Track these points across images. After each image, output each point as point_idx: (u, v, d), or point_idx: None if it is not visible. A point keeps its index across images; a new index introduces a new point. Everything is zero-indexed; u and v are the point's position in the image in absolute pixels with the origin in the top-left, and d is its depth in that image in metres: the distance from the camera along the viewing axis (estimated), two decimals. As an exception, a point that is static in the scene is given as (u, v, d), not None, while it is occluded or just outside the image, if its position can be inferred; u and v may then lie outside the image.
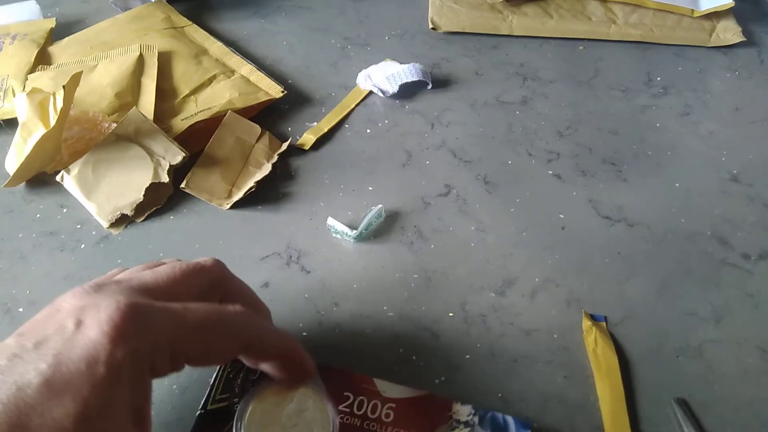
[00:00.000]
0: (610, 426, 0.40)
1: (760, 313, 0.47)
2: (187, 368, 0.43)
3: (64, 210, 0.54)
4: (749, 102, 0.66)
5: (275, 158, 0.57)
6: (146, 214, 0.54)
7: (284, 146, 0.58)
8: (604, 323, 0.46)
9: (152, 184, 0.53)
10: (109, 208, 0.52)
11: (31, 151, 0.52)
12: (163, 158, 0.54)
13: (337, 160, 0.59)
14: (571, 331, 0.46)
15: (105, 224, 0.52)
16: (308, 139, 0.60)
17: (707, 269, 0.50)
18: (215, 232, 0.53)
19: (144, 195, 0.52)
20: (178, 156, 0.54)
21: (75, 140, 0.57)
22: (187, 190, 0.54)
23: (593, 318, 0.47)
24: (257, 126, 0.59)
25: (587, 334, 0.45)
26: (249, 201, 0.55)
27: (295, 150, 0.60)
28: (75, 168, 0.54)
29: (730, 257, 0.51)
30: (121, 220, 0.53)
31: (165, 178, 0.53)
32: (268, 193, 0.56)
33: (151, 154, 0.54)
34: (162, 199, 0.55)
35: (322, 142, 0.61)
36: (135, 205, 0.52)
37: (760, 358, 0.45)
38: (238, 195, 0.54)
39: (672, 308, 0.48)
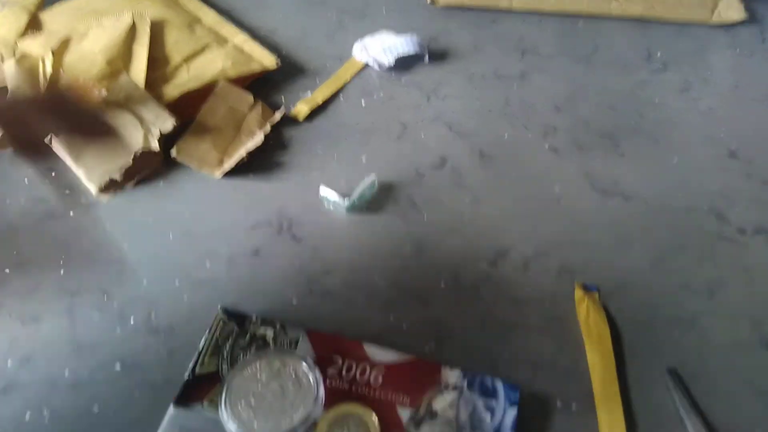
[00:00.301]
0: (599, 393, 0.40)
1: (755, 286, 0.47)
2: (175, 332, 0.43)
3: (53, 174, 0.53)
4: (750, 80, 0.65)
5: (268, 128, 0.56)
6: (135, 180, 0.53)
7: (277, 116, 0.58)
8: (596, 294, 0.46)
9: (142, 151, 0.52)
10: (97, 173, 0.52)
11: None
12: (154, 125, 0.53)
13: (330, 131, 0.59)
14: (563, 301, 0.46)
15: (94, 190, 0.52)
16: (302, 109, 0.59)
17: (702, 243, 0.50)
18: (205, 200, 0.52)
19: (133, 161, 0.52)
20: (168, 123, 0.53)
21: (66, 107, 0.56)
22: (178, 158, 0.54)
23: (586, 288, 0.46)
24: (250, 95, 0.58)
25: (579, 303, 0.45)
26: (240, 170, 0.54)
27: (289, 121, 0.59)
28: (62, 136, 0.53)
29: (725, 232, 0.51)
30: (110, 187, 0.52)
31: (155, 145, 0.53)
32: (260, 163, 0.55)
33: (141, 120, 0.54)
34: (152, 167, 0.54)
35: (316, 113, 0.60)
36: (124, 169, 0.51)
37: (753, 331, 0.44)
38: (229, 164, 0.54)
39: (666, 281, 0.47)
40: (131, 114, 0.54)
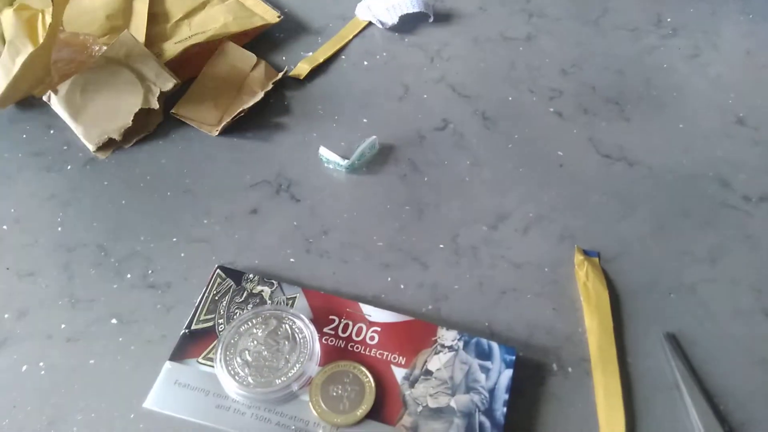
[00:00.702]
0: (596, 357, 0.40)
1: (758, 254, 0.46)
2: (172, 288, 0.43)
3: (51, 131, 0.53)
4: (761, 46, 0.64)
5: (270, 86, 0.55)
6: (134, 141, 0.52)
7: (280, 75, 0.56)
8: (596, 259, 0.46)
9: (141, 110, 0.51)
10: (96, 132, 0.51)
11: (19, 70, 0.50)
12: (154, 84, 0.52)
13: (332, 91, 0.57)
14: (563, 265, 0.45)
15: (91, 147, 0.51)
16: (303, 68, 0.58)
17: (706, 210, 0.49)
18: (204, 158, 0.52)
19: (133, 120, 0.51)
20: (169, 83, 0.52)
21: (65, 63, 0.55)
22: (178, 116, 0.53)
23: (586, 253, 0.46)
24: (253, 55, 0.57)
25: (579, 268, 0.44)
26: (240, 129, 0.53)
27: (290, 80, 0.58)
28: (63, 88, 0.52)
29: (730, 199, 0.50)
30: (109, 145, 0.51)
31: (155, 104, 0.52)
32: (260, 122, 0.54)
33: (141, 79, 0.53)
34: (151, 126, 0.53)
35: (317, 72, 0.59)
36: (123, 129, 0.51)
37: (754, 299, 0.44)
38: (227, 120, 0.53)
39: (668, 247, 0.47)
40: (131, 72, 0.53)
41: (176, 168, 0.51)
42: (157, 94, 0.52)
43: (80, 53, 0.55)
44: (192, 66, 0.56)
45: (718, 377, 0.40)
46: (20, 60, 0.51)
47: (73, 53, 0.55)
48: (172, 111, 0.53)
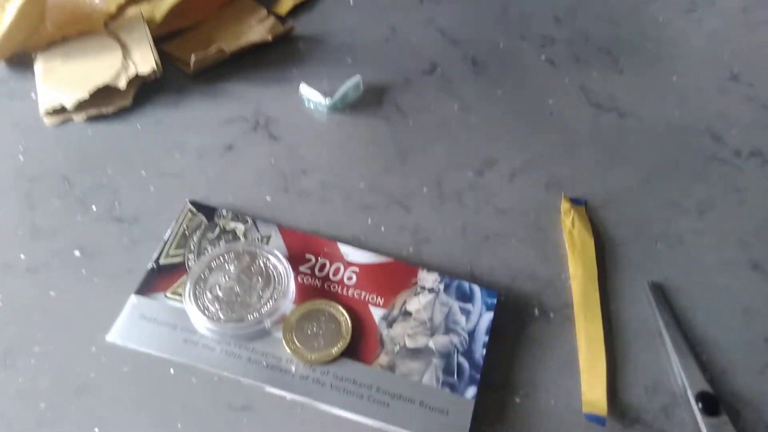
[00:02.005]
0: (579, 303, 0.39)
1: (746, 207, 0.45)
2: (140, 222, 0.41)
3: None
4: (757, 3, 0.62)
5: (269, 38, 0.51)
6: (88, 116, 0.47)
7: (285, 27, 0.53)
8: (583, 207, 0.44)
9: (108, 88, 0.47)
10: (51, 96, 0.46)
11: (14, 18, 0.46)
12: (134, 64, 0.48)
13: (315, 28, 0.55)
14: (549, 212, 0.44)
15: (41, 111, 0.46)
16: (285, 3, 0.55)
17: (696, 163, 0.48)
18: (179, 93, 0.49)
19: (91, 95, 0.46)
20: (148, 66, 0.47)
21: (62, 13, 0.51)
22: (167, 54, 0.50)
23: (573, 201, 0.44)
24: (263, 9, 0.55)
25: (565, 216, 0.43)
26: (219, 66, 0.51)
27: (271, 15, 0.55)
28: (51, 50, 0.49)
29: (720, 153, 0.49)
30: (59, 113, 0.47)
31: (123, 84, 0.46)
32: (238, 58, 0.51)
33: (125, 56, 0.48)
34: (112, 107, 0.47)
35: (300, 9, 0.56)
36: (77, 102, 0.46)
37: (740, 251, 0.43)
38: (202, 55, 0.49)
39: (656, 197, 0.46)
40: (119, 46, 0.49)
41: (149, 101, 0.48)
42: (131, 75, 0.47)
43: (81, 5, 0.52)
44: (198, 11, 0.54)
45: (701, 326, 0.39)
46: (13, 7, 0.47)
47: (74, 4, 0.52)
48: (163, 48, 0.50)
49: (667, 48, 0.56)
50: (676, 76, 0.54)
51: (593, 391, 0.35)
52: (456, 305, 0.37)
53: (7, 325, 0.36)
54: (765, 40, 0.58)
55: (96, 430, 0.33)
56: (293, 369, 0.34)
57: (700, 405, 0.34)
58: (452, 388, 0.34)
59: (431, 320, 0.36)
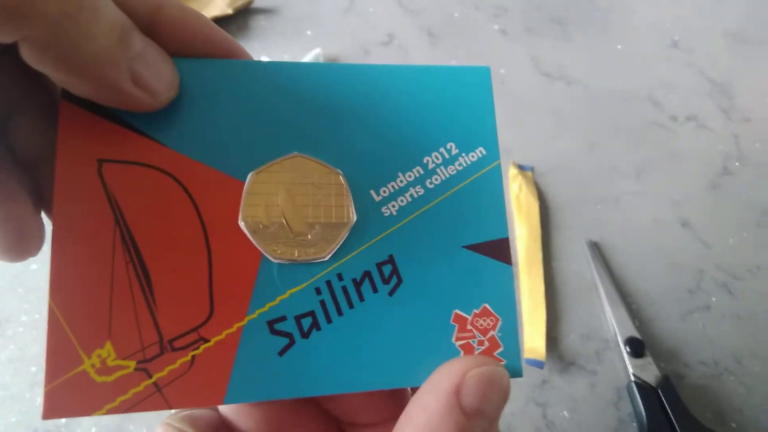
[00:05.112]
0: (523, 260, 0.42)
1: (680, 170, 0.49)
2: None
3: None
4: (703, -29, 0.65)
5: (229, 12, 0.53)
6: None
7: (244, 2, 0.54)
8: (530, 173, 0.48)
9: None
10: None
11: None
12: None
13: (275, 1, 0.56)
14: (499, 178, 0.47)
15: None
16: (245, -24, 0.56)
17: (637, 128, 0.51)
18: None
19: None
20: None
21: None
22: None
23: (521, 167, 0.48)
24: None
25: (512, 181, 0.46)
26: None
27: (231, -12, 0.56)
28: None
29: (659, 118, 0.52)
30: None
31: None
32: (201, 30, 0.53)
33: None
34: None
35: (260, -19, 0.57)
36: None
37: (672, 211, 0.47)
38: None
39: (597, 163, 0.49)
40: None
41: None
42: None
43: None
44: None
45: (633, 280, 0.43)
46: None
47: None
48: None
49: (614, 16, 0.59)
50: (622, 44, 0.57)
51: (534, 340, 0.39)
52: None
53: (-12, 296, 0.38)
54: (704, 9, 0.61)
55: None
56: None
57: (627, 348, 0.39)
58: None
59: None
